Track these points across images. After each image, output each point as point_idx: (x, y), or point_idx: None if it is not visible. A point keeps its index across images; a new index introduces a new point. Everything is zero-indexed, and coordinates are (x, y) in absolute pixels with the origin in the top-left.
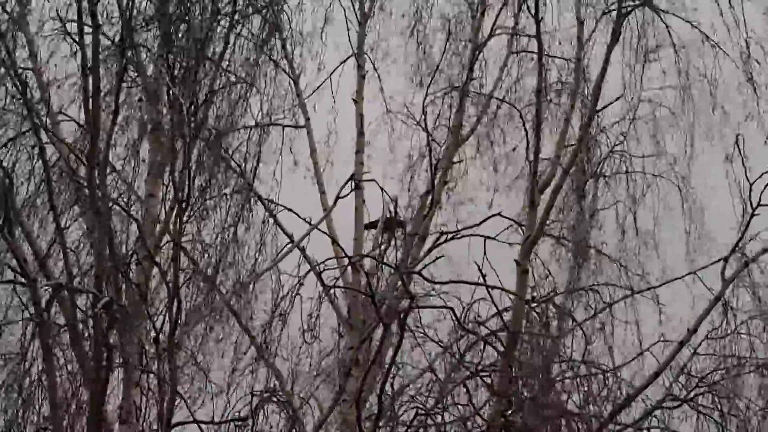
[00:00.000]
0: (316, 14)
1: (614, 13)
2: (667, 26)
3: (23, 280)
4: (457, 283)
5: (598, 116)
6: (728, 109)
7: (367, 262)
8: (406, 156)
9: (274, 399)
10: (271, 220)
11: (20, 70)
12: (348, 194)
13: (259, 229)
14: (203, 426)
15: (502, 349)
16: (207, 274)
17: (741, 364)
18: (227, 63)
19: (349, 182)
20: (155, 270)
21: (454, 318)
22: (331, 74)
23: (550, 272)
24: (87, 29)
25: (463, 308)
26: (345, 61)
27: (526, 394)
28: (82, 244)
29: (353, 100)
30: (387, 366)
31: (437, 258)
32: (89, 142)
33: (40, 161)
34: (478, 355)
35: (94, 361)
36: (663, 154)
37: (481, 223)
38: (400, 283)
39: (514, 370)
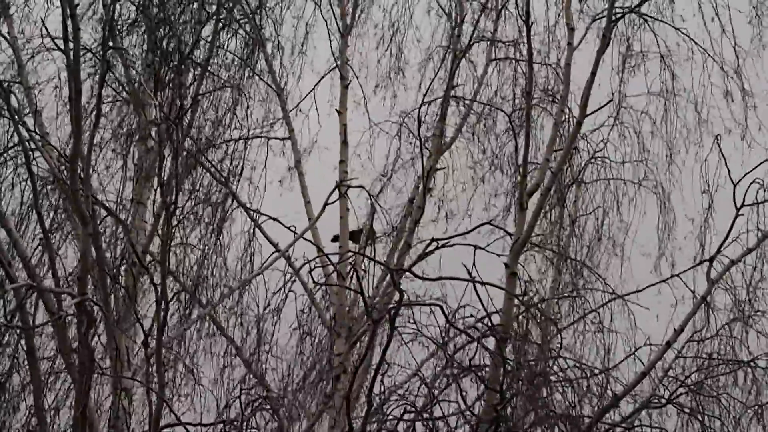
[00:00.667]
0: (298, 26)
1: (604, 20)
2: (655, 34)
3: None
4: (447, 279)
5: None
6: (713, 116)
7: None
8: (389, 163)
9: (263, 405)
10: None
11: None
12: (335, 201)
13: (242, 238)
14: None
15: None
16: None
17: (724, 363)
18: (214, 67)
19: (336, 189)
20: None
21: (444, 315)
22: (315, 86)
23: (531, 278)
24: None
25: (452, 310)
26: (328, 72)
27: (516, 390)
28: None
29: (337, 110)
30: (376, 364)
31: (426, 254)
32: (71, 145)
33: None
34: (468, 355)
35: (78, 364)
36: (643, 161)
37: (470, 231)
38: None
39: (506, 365)
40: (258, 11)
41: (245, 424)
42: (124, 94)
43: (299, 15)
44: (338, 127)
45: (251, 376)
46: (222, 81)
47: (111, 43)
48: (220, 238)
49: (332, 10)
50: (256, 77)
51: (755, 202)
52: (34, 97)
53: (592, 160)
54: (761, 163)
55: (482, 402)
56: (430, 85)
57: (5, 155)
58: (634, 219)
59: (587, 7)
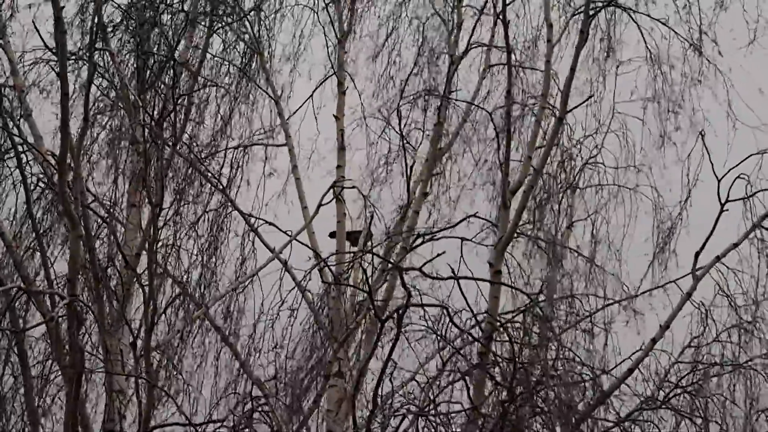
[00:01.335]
0: (294, 34)
1: (582, 15)
2: (638, 26)
3: None
4: (462, 279)
5: (570, 127)
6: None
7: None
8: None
9: (257, 406)
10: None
11: None
12: (329, 202)
13: (239, 243)
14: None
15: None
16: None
17: (720, 365)
18: (210, 74)
19: (331, 189)
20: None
21: (448, 316)
22: (312, 93)
23: (525, 273)
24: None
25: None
26: (325, 79)
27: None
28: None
29: (334, 116)
30: (383, 364)
31: (438, 254)
32: (60, 146)
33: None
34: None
35: (69, 364)
36: (636, 165)
37: (457, 224)
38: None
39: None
40: (253, 17)
41: (241, 424)
42: (113, 95)
43: (296, 22)
44: (335, 133)
45: (246, 376)
46: (213, 83)
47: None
48: (218, 242)
49: (329, 16)
50: (252, 83)
51: (741, 197)
52: (26, 99)
53: (587, 166)
54: (745, 159)
55: (493, 398)
56: (407, 80)
57: None
58: (631, 223)
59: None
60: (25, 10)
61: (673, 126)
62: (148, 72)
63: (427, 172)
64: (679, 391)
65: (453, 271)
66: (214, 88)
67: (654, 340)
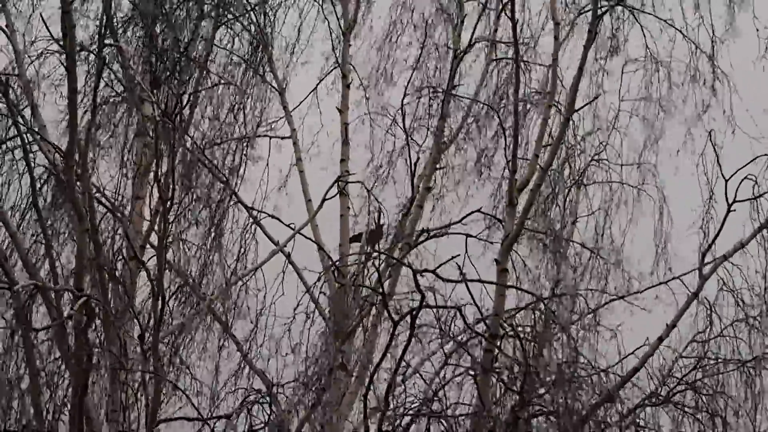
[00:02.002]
0: (299, 26)
1: (590, 14)
2: (642, 27)
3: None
4: (471, 282)
5: (575, 123)
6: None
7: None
8: (387, 159)
9: (260, 400)
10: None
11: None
12: (334, 196)
13: (241, 236)
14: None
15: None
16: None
17: (724, 362)
18: (215, 67)
19: (336, 184)
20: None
21: (462, 318)
22: (316, 86)
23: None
24: None
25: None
26: (329, 72)
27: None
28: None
29: (338, 109)
30: (395, 364)
31: (452, 258)
32: (68, 140)
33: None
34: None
35: (75, 359)
36: (642, 163)
37: (461, 219)
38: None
39: (530, 367)
40: (259, 9)
41: (244, 417)
42: (121, 89)
43: (301, 14)
44: (339, 126)
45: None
46: (220, 78)
47: (107, 40)
48: (220, 233)
49: (334, 9)
50: (258, 76)
51: (749, 197)
52: (32, 91)
53: (592, 162)
54: (754, 159)
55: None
56: (411, 76)
57: (2, 147)
58: (634, 221)
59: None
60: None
61: (675, 125)
62: (161, 67)
63: (431, 166)
64: (682, 387)
65: (460, 269)
66: (217, 79)
67: (660, 339)
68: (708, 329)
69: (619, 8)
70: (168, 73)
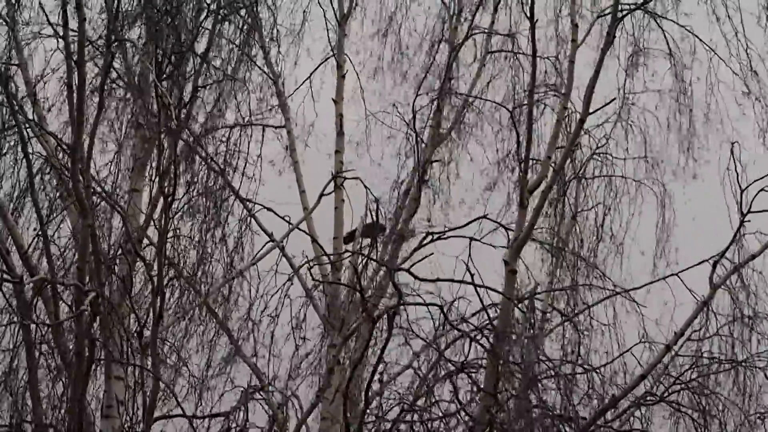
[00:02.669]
0: (294, 14)
1: (609, 17)
2: (663, 31)
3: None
4: (444, 281)
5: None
6: (723, 116)
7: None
8: (387, 154)
9: (258, 396)
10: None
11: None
12: (331, 192)
13: (237, 228)
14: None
15: (488, 346)
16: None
17: (719, 361)
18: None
19: (333, 181)
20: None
21: (442, 315)
22: (311, 75)
23: (531, 274)
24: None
25: (446, 305)
26: (324, 61)
27: (511, 391)
28: (68, 239)
29: (333, 100)
30: (375, 362)
31: (426, 256)
32: (73, 135)
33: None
34: (463, 353)
35: (77, 355)
36: (646, 158)
37: (466, 224)
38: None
39: (499, 367)
40: None
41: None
42: (123, 83)
43: (296, 2)
44: (334, 117)
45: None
46: (222, 72)
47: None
48: (218, 226)
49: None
50: (252, 64)
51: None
52: (32, 82)
53: (594, 156)
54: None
55: (477, 402)
56: (425, 77)
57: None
58: (635, 217)
59: (592, 5)
60: None
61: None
62: (167, 62)
63: (427, 159)
64: (678, 387)
65: (467, 267)
66: (221, 75)
67: (668, 347)
68: (702, 328)
69: (639, 12)
70: (174, 69)
